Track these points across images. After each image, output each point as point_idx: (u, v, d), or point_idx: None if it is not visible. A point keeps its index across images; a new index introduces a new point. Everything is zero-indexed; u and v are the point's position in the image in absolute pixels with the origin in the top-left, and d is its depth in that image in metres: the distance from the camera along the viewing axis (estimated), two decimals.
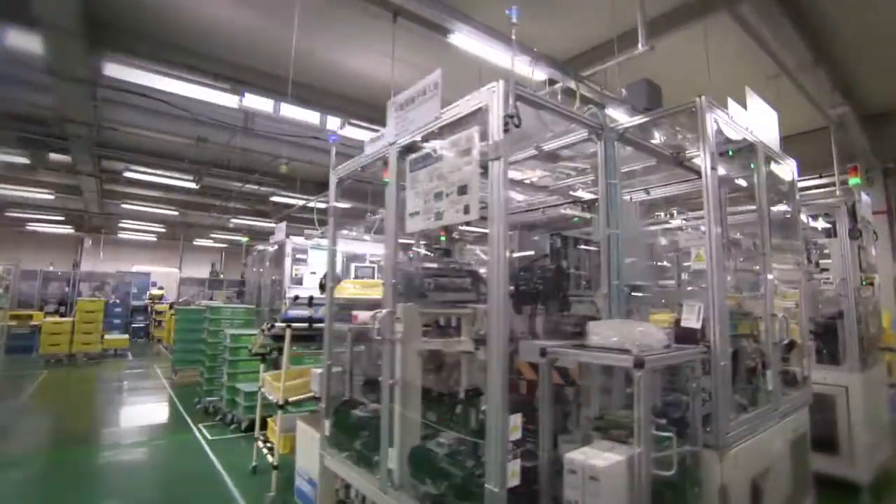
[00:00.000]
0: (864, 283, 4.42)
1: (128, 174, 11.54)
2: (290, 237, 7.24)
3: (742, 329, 2.44)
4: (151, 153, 11.26)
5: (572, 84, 4.49)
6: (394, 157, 2.76)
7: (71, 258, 19.85)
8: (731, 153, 2.67)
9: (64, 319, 12.12)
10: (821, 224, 4.65)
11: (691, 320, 2.13)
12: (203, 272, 22.11)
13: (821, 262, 5.45)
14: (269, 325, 4.47)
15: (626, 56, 4.12)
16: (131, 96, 8.32)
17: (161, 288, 18.87)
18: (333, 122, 9.16)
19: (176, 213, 16.74)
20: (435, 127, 2.46)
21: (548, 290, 2.75)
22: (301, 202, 12.26)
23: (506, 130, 2.02)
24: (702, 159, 2.17)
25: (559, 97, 3.85)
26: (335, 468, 3.18)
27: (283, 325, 4.14)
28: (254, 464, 4.67)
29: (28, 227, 18.43)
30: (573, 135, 2.62)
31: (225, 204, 15.49)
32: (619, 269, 2.35)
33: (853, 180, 4.39)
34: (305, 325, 4.16)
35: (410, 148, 2.66)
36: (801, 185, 10.68)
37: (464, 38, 5.09)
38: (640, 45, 3.98)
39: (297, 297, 4.74)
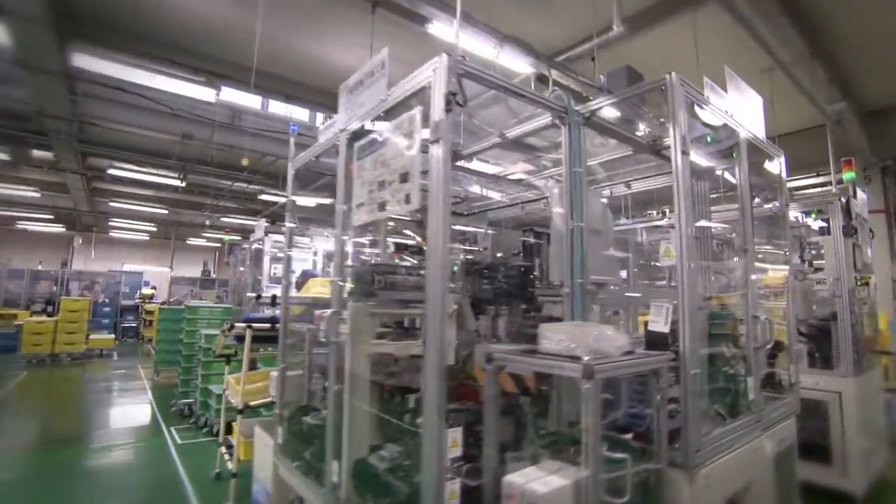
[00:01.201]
0: (858, 283, 4.19)
1: (112, 171, 11.32)
2: (269, 235, 7.02)
3: (720, 332, 2.21)
4: (136, 150, 11.03)
5: (546, 71, 4.26)
6: (343, 144, 2.55)
7: (62, 257, 19.62)
8: (709, 139, 2.45)
9: (47, 319, 11.90)
10: (813, 221, 4.42)
11: (659, 323, 1.91)
12: (196, 271, 21.89)
13: (815, 262, 5.23)
14: (228, 326, 4.26)
15: (601, 39, 3.89)
16: (113, 91, 8.13)
17: (154, 287, 18.67)
18: (322, 120, 8.95)
19: (166, 211, 16.52)
20: (381, 110, 2.25)
21: (513, 290, 2.53)
22: (283, 199, 12.01)
23: (448, 110, 1.80)
24: (671, 141, 1.94)
25: (532, 85, 3.62)
26: (287, 478, 2.97)
27: (244, 325, 3.92)
28: (216, 470, 4.45)
29: (18, 226, 18.22)
30: (536, 120, 2.40)
31: (216, 203, 15.27)
32: (583, 266, 2.13)
33: (847, 174, 4.17)
34: (268, 325, 3.95)
35: (358, 134, 2.45)
36: (797, 183, 10.49)
37: (442, 27, 4.89)
38: (614, 27, 3.74)
39: (259, 297, 4.52)
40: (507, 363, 1.74)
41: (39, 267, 17.40)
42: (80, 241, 19.76)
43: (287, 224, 3.39)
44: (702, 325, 2.12)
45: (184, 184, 11.46)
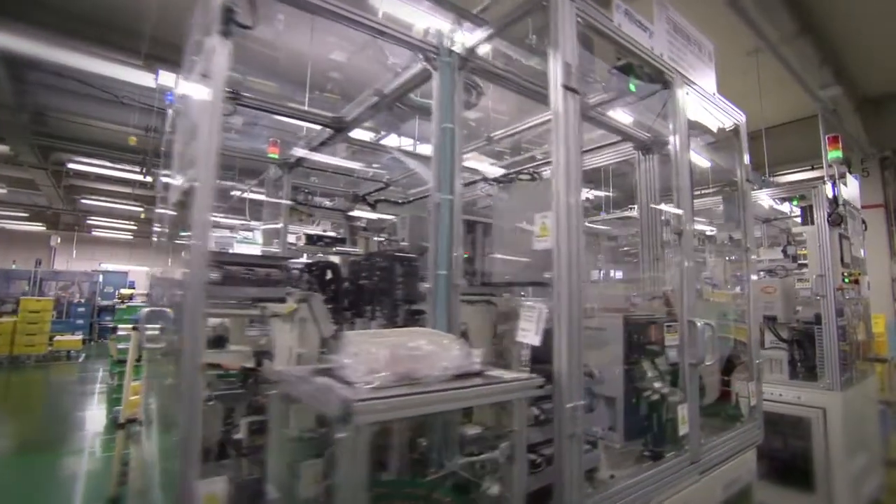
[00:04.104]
0: (846, 280, 3.62)
1: (72, 166, 10.82)
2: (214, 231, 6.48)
3: (642, 348, 1.65)
4: (97, 143, 10.54)
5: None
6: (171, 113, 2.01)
7: (43, 257, 19.14)
8: (632, 87, 1.89)
9: (4, 320, 11.40)
10: (792, 209, 3.85)
11: (529, 333, 1.37)
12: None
13: (801, 256, 4.66)
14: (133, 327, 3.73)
15: None
16: (65, 80, 7.64)
17: (133, 287, 18.19)
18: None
19: (141, 209, 16.02)
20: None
21: (390, 286, 1.99)
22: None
23: (224, 33, 1.26)
24: (550, 70, 1.39)
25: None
26: None
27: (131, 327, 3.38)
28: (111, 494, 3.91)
29: None
30: (411, 70, 1.86)
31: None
32: (449, 253, 1.58)
33: (833, 153, 3.60)
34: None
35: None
36: (790, 178, 9.89)
37: None
38: None
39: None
40: (286, 385, 1.20)
41: (13, 266, 16.93)
42: (59, 240, 19.28)
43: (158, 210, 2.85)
44: (615, 335, 1.58)
45: (149, 179, 10.93)
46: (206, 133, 1.26)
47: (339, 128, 2.53)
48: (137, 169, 10.93)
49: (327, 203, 3.79)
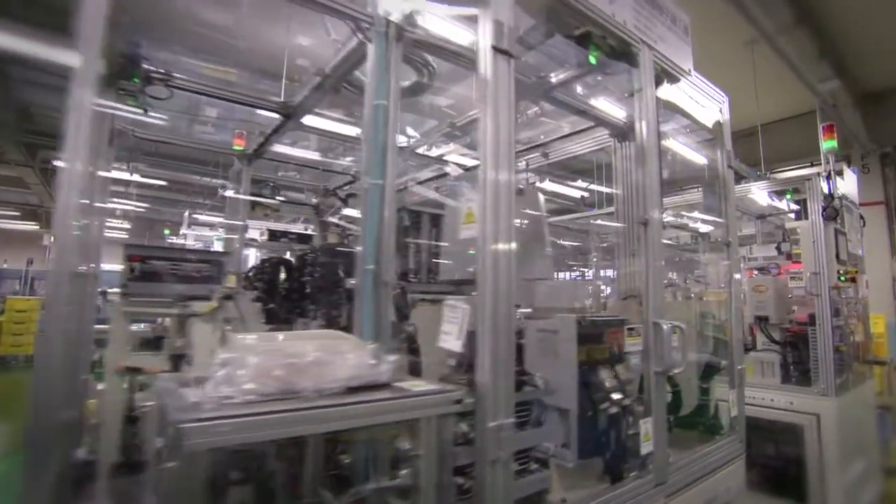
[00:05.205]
0: (841, 277, 3.42)
1: (58, 163, 10.64)
2: (192, 227, 6.32)
3: (598, 353, 1.44)
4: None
5: None
6: None
7: (36, 256, 18.99)
8: (592, 59, 1.68)
9: None
10: (787, 203, 3.66)
11: (450, 336, 1.18)
12: None
13: (797, 256, 4.46)
14: None
15: None
16: (50, 77, 7.47)
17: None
18: None
19: (141, 209, 15.84)
20: None
21: (321, 286, 1.80)
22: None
23: None
24: (479, 28, 1.20)
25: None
26: None
27: None
28: None
29: None
30: (349, 45, 1.67)
31: (191, 199, 14.59)
32: (379, 246, 1.38)
33: (828, 143, 3.40)
34: None
35: None
36: (788, 174, 9.72)
37: None
38: None
39: None
40: (159, 396, 1.01)
41: (5, 265, 16.81)
42: (53, 239, 19.13)
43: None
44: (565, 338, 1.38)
45: (133, 176, 10.75)
46: (77, 103, 1.07)
47: (287, 113, 2.34)
48: (121, 166, 10.77)
49: (296, 198, 3.60)
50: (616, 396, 1.38)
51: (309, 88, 2.04)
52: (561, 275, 16.73)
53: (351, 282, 1.42)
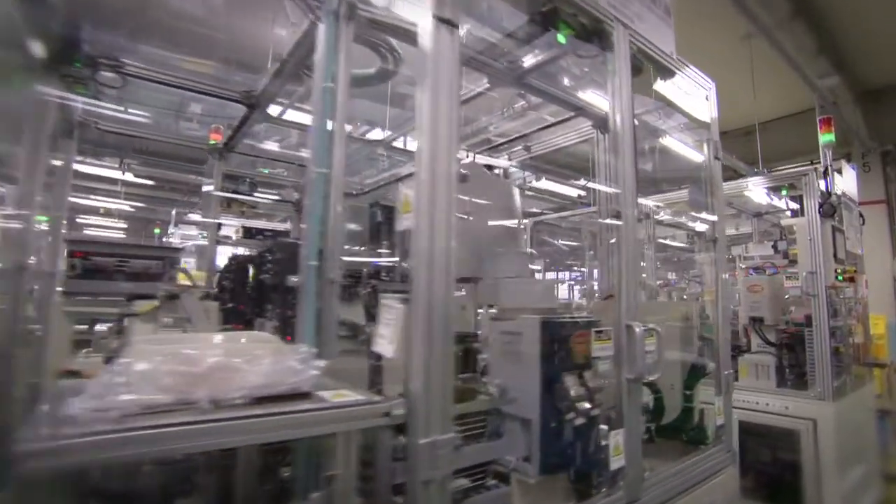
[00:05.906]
0: (839, 277, 3.29)
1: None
2: (179, 226, 6.21)
3: (564, 357, 1.31)
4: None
5: None
6: None
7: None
8: (561, 38, 1.56)
9: None
10: (781, 200, 3.53)
11: (384, 340, 1.07)
12: None
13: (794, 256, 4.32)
14: None
15: None
16: None
17: None
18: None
19: (132, 208, 15.74)
20: None
21: (274, 284, 1.69)
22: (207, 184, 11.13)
23: None
24: None
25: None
26: None
27: None
28: None
29: None
30: (301, 27, 1.55)
31: (186, 199, 14.51)
32: (323, 241, 1.27)
33: (825, 136, 3.28)
34: None
35: None
36: (787, 172, 9.56)
37: None
38: None
39: None
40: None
41: None
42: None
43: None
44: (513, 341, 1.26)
45: (125, 175, 10.64)
46: None
47: (251, 103, 2.23)
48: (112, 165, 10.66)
49: (272, 194, 3.49)
50: (583, 406, 1.26)
51: (269, 76, 1.93)
52: (561, 274, 16.58)
53: (293, 279, 1.30)
